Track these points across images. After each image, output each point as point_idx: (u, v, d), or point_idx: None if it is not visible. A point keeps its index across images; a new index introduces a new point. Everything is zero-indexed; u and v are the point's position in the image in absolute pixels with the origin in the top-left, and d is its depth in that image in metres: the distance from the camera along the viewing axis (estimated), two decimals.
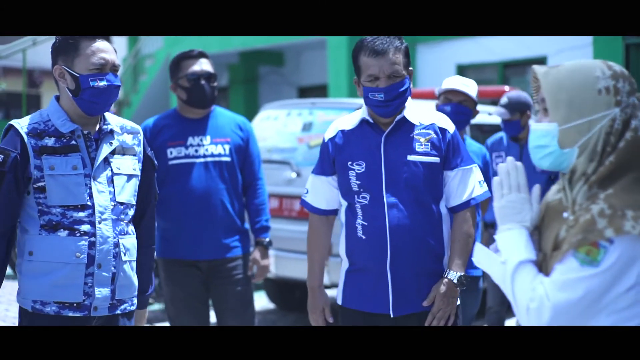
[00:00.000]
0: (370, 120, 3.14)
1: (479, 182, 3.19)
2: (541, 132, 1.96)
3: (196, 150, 4.24)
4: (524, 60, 13.18)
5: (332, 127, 3.25)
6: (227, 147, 4.28)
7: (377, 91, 3.03)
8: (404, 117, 3.13)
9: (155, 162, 3.14)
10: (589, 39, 11.89)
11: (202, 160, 4.23)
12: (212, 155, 4.25)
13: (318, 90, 15.35)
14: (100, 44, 2.86)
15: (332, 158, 3.19)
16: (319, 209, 3.28)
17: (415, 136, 3.12)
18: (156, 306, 7.32)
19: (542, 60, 12.84)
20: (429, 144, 3.11)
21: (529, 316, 1.85)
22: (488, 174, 4.44)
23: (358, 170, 3.11)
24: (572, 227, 1.84)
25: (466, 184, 3.15)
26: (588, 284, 1.79)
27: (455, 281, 3.09)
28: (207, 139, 4.26)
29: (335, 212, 3.30)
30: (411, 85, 3.12)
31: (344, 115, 6.87)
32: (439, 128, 3.15)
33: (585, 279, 1.79)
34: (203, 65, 4.26)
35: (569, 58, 11.69)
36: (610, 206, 1.79)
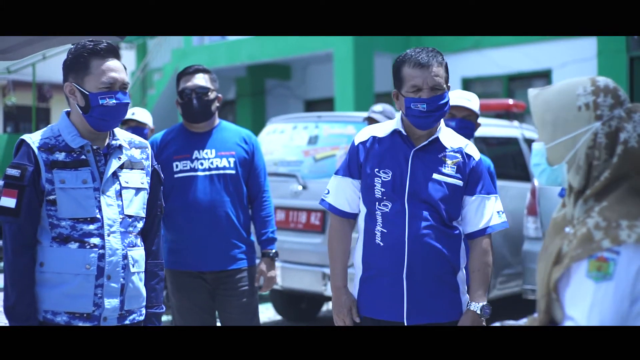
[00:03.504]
0: (404, 133, 3.20)
1: (498, 212, 3.25)
2: (535, 151, 2.07)
3: (201, 164, 4.30)
4: (529, 73, 13.23)
5: (365, 132, 3.30)
6: (232, 160, 4.35)
7: (420, 102, 3.10)
8: (437, 138, 3.21)
9: (162, 175, 3.21)
10: (593, 52, 11.94)
11: (207, 173, 4.30)
12: (217, 168, 4.31)
13: (325, 104, 15.44)
14: (110, 62, 2.92)
15: (360, 162, 3.24)
16: (341, 210, 3.30)
17: (443, 158, 3.19)
18: (164, 317, 7.37)
19: (546, 73, 12.89)
20: (455, 167, 3.19)
21: None
22: (494, 185, 4.51)
23: (384, 178, 3.17)
24: (571, 242, 1.90)
25: (484, 211, 3.22)
26: (611, 297, 1.81)
27: (478, 312, 3.16)
28: (212, 153, 4.33)
29: (355, 217, 3.33)
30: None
31: (350, 128, 6.94)
32: (466, 154, 3.23)
33: (606, 295, 1.81)
34: (196, 80, 4.32)
35: (574, 71, 11.76)
36: (605, 219, 1.85)
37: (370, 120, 5.90)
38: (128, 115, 6.72)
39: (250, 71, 16.72)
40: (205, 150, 4.33)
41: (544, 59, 12.68)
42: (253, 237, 4.50)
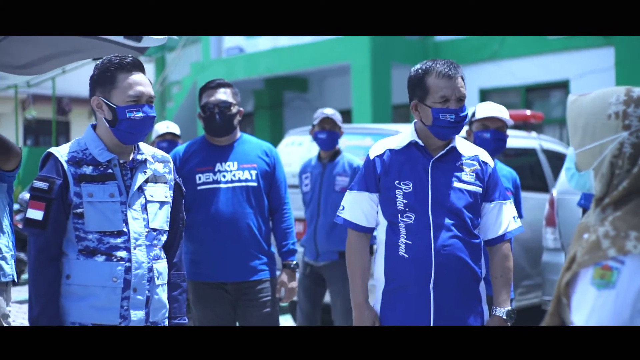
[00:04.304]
0: (421, 144, 3.22)
1: (514, 217, 3.29)
2: (568, 156, 2.09)
3: (224, 176, 4.36)
4: (546, 84, 13.22)
5: (380, 146, 3.30)
6: (253, 172, 4.40)
7: (449, 112, 3.12)
8: (454, 147, 3.23)
9: (184, 188, 3.24)
10: (611, 63, 11.92)
11: (229, 185, 4.35)
12: (240, 180, 4.37)
13: (342, 115, 15.42)
14: (136, 76, 2.96)
15: (378, 176, 3.24)
16: (359, 225, 3.29)
17: (461, 166, 3.22)
18: None
19: (564, 84, 12.88)
20: (474, 174, 3.22)
21: None
22: (518, 197, 4.53)
23: (405, 189, 3.17)
24: (583, 248, 1.93)
25: (502, 218, 3.26)
26: (611, 306, 1.84)
27: (504, 317, 3.20)
28: (234, 165, 4.39)
29: (371, 231, 3.32)
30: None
31: (368, 140, 6.97)
32: (482, 161, 3.27)
33: (606, 303, 1.84)
34: (218, 95, 4.38)
35: (591, 81, 11.74)
36: (615, 228, 1.87)
37: (326, 121, 5.79)
38: (163, 130, 6.89)
39: (268, 84, 16.79)
40: (228, 163, 4.38)
41: (561, 69, 12.67)
42: (273, 249, 4.55)
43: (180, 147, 4.53)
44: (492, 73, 13.49)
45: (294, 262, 4.54)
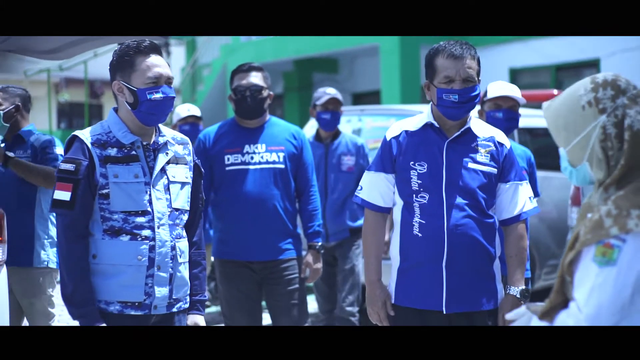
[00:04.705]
0: (436, 125, 3.26)
1: (529, 197, 3.32)
2: (561, 156, 2.16)
3: (252, 158, 4.45)
4: (577, 63, 13.11)
5: (396, 127, 3.36)
6: (281, 154, 4.48)
7: (452, 92, 3.16)
8: (469, 128, 3.27)
9: (202, 170, 3.33)
10: None
11: (257, 167, 4.44)
12: (267, 162, 4.45)
13: (372, 96, 15.47)
14: (154, 59, 3.06)
15: (394, 156, 3.29)
16: (375, 205, 3.35)
17: (476, 147, 3.25)
18: (213, 308, 7.51)
19: (595, 63, 12.76)
20: (489, 155, 3.25)
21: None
22: (534, 175, 4.55)
23: (420, 170, 3.22)
24: (586, 227, 1.98)
25: (518, 198, 3.28)
26: (612, 283, 1.89)
27: (518, 296, 3.23)
28: (262, 147, 4.47)
29: (389, 211, 3.38)
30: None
31: (392, 121, 6.99)
32: (498, 142, 3.29)
33: (607, 280, 1.89)
34: (250, 78, 4.47)
35: (622, 60, 11.63)
36: (617, 207, 1.92)
37: (331, 102, 5.79)
38: (185, 113, 6.94)
39: (297, 65, 16.81)
40: (256, 145, 4.47)
41: (591, 48, 12.55)
42: (299, 230, 4.62)
43: (211, 129, 4.62)
44: (522, 52, 13.40)
45: (320, 244, 4.62)
